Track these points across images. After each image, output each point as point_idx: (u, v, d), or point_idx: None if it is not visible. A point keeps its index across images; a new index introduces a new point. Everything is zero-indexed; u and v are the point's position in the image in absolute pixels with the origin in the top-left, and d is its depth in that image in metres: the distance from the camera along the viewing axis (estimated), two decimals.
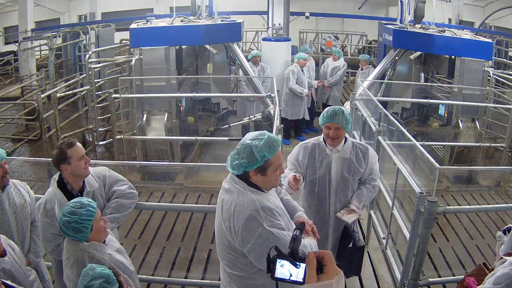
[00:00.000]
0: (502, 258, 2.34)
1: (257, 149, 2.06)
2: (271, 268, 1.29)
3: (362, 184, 3.15)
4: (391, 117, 4.69)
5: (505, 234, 2.67)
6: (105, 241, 2.32)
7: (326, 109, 3.06)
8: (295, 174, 2.90)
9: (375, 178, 3.17)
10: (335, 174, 3.05)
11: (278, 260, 1.28)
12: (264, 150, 2.06)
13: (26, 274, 2.56)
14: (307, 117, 7.72)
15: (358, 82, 6.53)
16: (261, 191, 2.14)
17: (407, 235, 3.23)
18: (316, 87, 8.00)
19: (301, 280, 1.24)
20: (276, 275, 1.29)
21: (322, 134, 3.09)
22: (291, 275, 1.26)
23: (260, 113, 6.72)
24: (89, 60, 6.79)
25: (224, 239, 2.13)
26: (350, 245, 3.06)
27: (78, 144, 2.73)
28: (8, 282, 2.15)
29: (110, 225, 2.63)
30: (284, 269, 1.27)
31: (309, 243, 2.12)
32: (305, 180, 3.13)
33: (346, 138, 3.07)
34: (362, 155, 3.08)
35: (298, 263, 1.26)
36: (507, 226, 2.70)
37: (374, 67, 7.90)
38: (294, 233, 1.33)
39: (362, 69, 8.01)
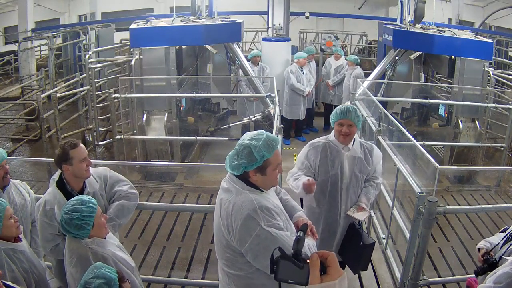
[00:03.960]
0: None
1: (256, 149, 2.06)
2: (274, 269, 1.30)
3: (367, 182, 3.20)
4: (391, 117, 4.70)
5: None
6: (105, 237, 2.32)
7: (338, 107, 3.12)
8: (308, 178, 2.90)
9: (378, 176, 3.22)
10: (347, 172, 3.09)
11: (282, 261, 1.28)
12: (263, 150, 2.06)
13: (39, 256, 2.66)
14: (303, 117, 7.69)
15: (358, 82, 6.53)
16: (260, 191, 2.14)
17: (407, 235, 3.23)
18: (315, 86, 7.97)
19: (304, 281, 1.25)
20: (279, 276, 1.29)
21: (333, 132, 3.11)
22: (294, 276, 1.27)
23: (260, 113, 6.73)
24: (89, 60, 6.79)
25: (222, 238, 2.13)
26: (360, 243, 3.07)
27: (82, 145, 2.73)
28: (9, 283, 2.14)
29: (111, 229, 2.63)
30: (288, 270, 1.28)
31: (307, 244, 2.12)
32: (316, 179, 3.14)
33: (354, 138, 3.10)
34: (369, 153, 3.13)
35: (301, 264, 1.26)
36: (504, 228, 2.71)
37: (373, 67, 7.86)
38: (298, 235, 1.33)
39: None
